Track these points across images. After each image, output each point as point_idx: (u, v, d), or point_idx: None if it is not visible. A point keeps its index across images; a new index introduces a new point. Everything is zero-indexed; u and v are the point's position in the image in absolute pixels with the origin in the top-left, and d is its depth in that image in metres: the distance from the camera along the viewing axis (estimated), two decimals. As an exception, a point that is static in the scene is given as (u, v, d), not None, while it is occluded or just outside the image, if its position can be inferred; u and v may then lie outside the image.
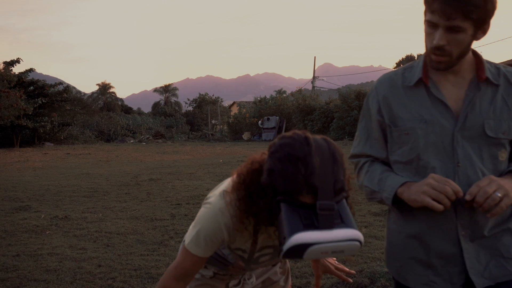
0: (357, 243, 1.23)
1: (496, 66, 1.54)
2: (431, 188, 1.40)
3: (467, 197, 1.39)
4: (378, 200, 1.59)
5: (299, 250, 1.19)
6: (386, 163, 1.61)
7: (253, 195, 1.34)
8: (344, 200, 1.26)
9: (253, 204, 1.34)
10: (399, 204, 1.54)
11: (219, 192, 1.47)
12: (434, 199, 1.40)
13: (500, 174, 1.49)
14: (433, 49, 1.44)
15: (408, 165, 1.54)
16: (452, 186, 1.39)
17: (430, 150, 1.49)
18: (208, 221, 1.44)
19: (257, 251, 1.52)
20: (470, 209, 1.45)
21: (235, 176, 1.43)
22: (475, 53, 1.54)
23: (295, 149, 1.25)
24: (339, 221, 1.22)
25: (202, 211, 1.48)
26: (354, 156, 1.70)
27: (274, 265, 1.74)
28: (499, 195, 1.36)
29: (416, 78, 1.54)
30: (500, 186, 1.38)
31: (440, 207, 1.39)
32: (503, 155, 1.50)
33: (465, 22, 1.37)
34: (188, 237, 1.50)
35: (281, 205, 1.24)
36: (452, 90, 1.51)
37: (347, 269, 1.84)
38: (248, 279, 1.67)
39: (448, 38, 1.40)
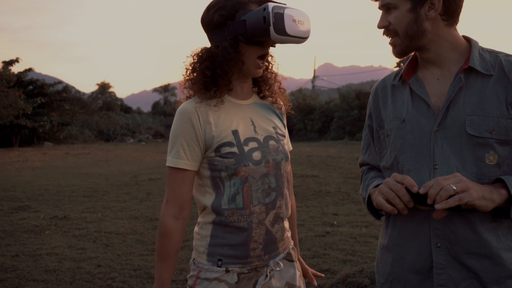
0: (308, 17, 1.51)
1: (496, 55, 1.35)
2: (386, 186, 1.28)
3: (421, 190, 1.21)
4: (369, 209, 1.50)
5: (279, 15, 1.40)
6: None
7: (206, 51, 1.51)
8: None
9: (210, 54, 1.49)
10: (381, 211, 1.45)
11: None
12: (387, 200, 1.28)
13: (489, 181, 1.28)
14: (383, 34, 1.40)
15: (392, 170, 1.41)
16: (407, 181, 1.24)
17: (407, 151, 1.36)
18: (176, 122, 1.52)
19: (243, 143, 1.51)
20: (446, 216, 1.27)
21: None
22: (469, 41, 1.39)
23: None
24: None
25: None
26: (359, 165, 1.64)
27: (280, 197, 1.58)
28: (454, 188, 1.18)
29: (400, 75, 1.46)
30: (461, 181, 1.20)
31: (389, 207, 1.27)
32: (492, 158, 1.28)
33: None
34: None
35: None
36: (436, 85, 1.37)
37: (317, 273, 1.83)
38: (274, 266, 1.57)
39: (389, 18, 1.35)
